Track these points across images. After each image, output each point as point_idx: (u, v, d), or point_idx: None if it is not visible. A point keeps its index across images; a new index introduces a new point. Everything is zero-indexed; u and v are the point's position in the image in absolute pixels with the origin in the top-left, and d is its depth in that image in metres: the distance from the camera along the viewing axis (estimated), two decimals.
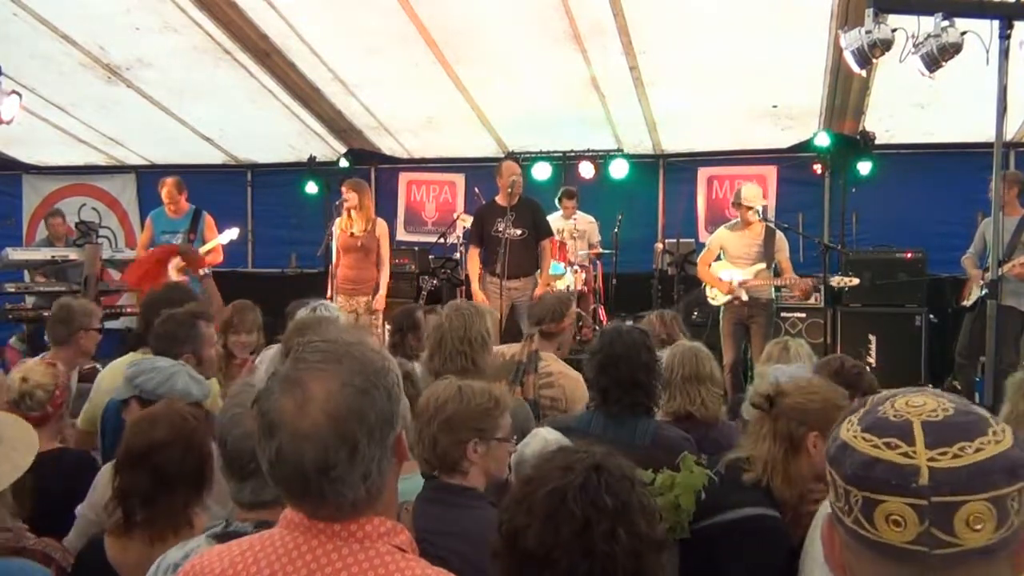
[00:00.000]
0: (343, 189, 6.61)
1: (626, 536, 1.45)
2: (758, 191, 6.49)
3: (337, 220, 6.64)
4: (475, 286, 6.47)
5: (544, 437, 2.46)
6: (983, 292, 5.93)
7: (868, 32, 4.64)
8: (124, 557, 2.02)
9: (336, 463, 1.11)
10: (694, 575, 2.18)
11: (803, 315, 7.48)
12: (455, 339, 3.10)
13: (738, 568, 2.09)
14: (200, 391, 2.76)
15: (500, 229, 6.27)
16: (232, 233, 6.76)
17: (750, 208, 6.21)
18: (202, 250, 6.57)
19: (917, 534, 0.85)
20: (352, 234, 6.49)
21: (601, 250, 8.15)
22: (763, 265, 6.24)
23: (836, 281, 6.38)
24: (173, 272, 6.44)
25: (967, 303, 6.43)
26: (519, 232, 6.28)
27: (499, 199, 6.43)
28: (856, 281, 6.45)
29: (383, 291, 6.63)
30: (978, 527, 0.84)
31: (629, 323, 3.37)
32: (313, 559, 1.14)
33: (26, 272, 6.70)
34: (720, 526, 2.13)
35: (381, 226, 6.71)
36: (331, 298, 6.27)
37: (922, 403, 0.91)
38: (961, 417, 0.89)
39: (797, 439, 2.15)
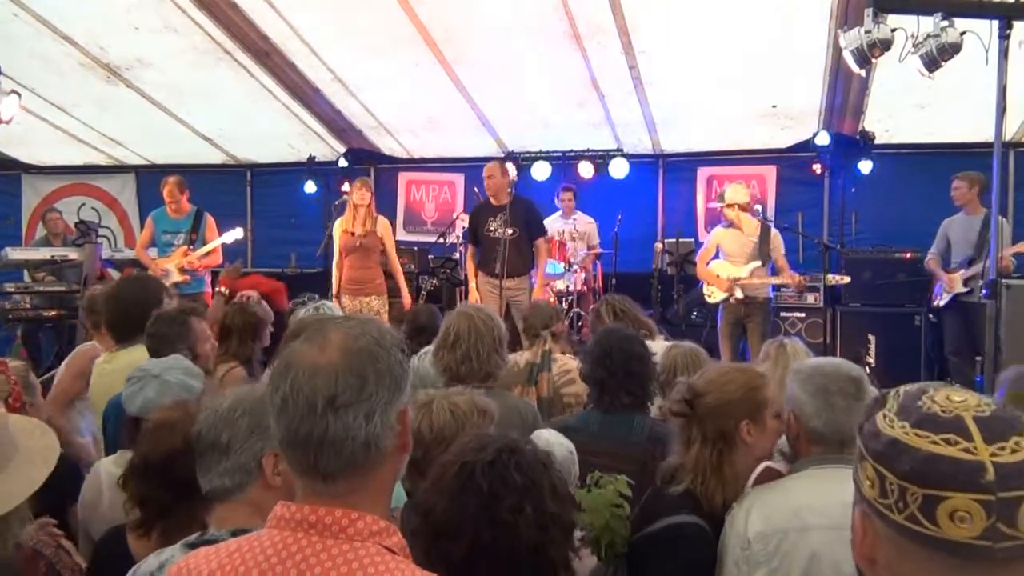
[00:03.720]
0: (356, 186, 6.58)
1: (532, 512, 1.49)
2: (733, 189, 6.55)
3: (338, 220, 6.63)
4: (471, 284, 6.48)
5: (546, 439, 2.46)
6: (966, 289, 6.28)
7: (868, 32, 4.65)
8: (145, 553, 2.00)
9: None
10: None
11: (802, 315, 7.49)
12: (491, 339, 2.97)
13: None
14: (157, 403, 2.44)
15: (492, 228, 6.30)
16: (236, 233, 6.72)
17: (729, 206, 6.35)
18: (201, 251, 6.55)
19: (983, 529, 0.86)
20: (353, 233, 6.49)
21: (600, 251, 8.16)
22: (759, 263, 6.27)
23: (829, 279, 6.52)
24: (175, 273, 6.44)
25: (939, 303, 6.56)
26: (511, 232, 6.28)
27: (492, 198, 6.46)
28: (847, 280, 6.65)
29: (405, 291, 6.77)
30: None
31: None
32: (303, 559, 1.14)
33: (25, 272, 6.70)
34: (646, 537, 2.08)
35: (383, 224, 6.70)
36: (334, 298, 6.28)
37: (962, 399, 0.93)
38: (1002, 412, 0.91)
39: (729, 434, 2.10)
